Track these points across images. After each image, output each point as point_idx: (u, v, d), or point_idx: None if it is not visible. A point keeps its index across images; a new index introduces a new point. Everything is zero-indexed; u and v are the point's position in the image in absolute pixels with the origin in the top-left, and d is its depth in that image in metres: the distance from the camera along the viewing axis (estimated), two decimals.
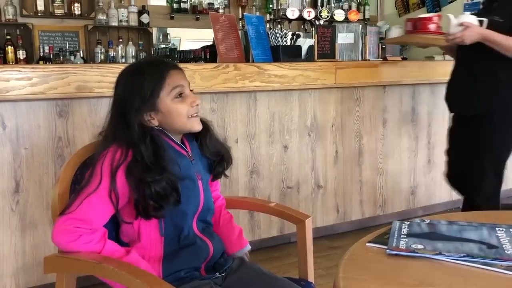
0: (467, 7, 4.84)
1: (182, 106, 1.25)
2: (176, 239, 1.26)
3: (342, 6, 4.62)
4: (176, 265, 1.25)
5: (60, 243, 1.16)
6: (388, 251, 1.07)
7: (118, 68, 2.16)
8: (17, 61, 4.08)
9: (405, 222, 1.24)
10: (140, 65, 1.32)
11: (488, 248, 1.07)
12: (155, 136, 1.23)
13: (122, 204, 1.20)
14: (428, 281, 0.95)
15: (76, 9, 4.40)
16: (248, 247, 1.48)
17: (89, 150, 1.39)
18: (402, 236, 1.15)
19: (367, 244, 1.13)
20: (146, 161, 1.17)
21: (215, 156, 1.39)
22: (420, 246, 1.08)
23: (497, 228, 1.18)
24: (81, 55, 4.33)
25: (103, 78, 2.16)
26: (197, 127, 1.30)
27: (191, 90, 1.30)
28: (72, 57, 4.29)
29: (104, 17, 4.51)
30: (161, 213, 1.20)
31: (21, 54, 4.12)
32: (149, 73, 1.24)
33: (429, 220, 1.26)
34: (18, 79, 2.01)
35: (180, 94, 1.26)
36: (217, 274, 1.31)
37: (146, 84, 1.23)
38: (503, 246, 1.07)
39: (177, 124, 1.27)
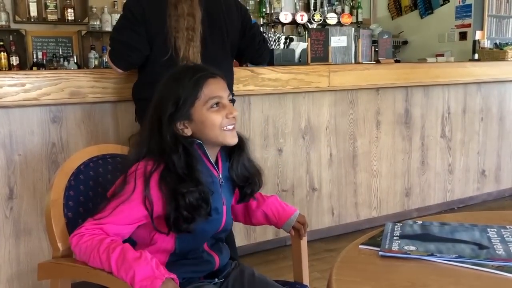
0: (458, 9, 4.88)
1: (216, 117, 1.20)
2: (184, 253, 1.25)
3: (335, 9, 4.65)
4: (176, 273, 1.24)
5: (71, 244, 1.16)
6: (380, 253, 1.07)
7: (112, 73, 2.18)
8: (10, 67, 4.06)
9: (398, 224, 1.25)
10: (180, 71, 1.26)
11: (480, 248, 1.07)
12: (189, 146, 1.19)
13: (156, 213, 1.16)
14: (420, 282, 0.95)
15: (69, 14, 4.38)
16: (296, 213, 1.43)
17: (83, 155, 1.39)
18: (394, 237, 1.15)
19: (360, 246, 1.13)
20: (179, 171, 1.15)
21: (242, 182, 1.33)
22: (412, 248, 1.09)
23: (488, 229, 1.19)
24: (75, 61, 4.32)
25: (96, 84, 2.16)
26: (231, 140, 1.24)
27: (230, 101, 1.25)
28: (65, 63, 4.28)
29: (98, 23, 4.50)
30: (192, 226, 1.16)
31: (14, 60, 4.10)
32: (185, 81, 1.20)
33: (421, 222, 1.27)
34: (11, 85, 2.00)
35: (217, 104, 1.21)
36: (216, 280, 1.31)
37: (182, 91, 1.18)
38: (494, 246, 1.08)
39: (210, 135, 1.21)
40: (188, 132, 1.21)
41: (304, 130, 2.83)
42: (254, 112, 2.66)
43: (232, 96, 1.28)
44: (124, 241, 1.14)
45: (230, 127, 1.23)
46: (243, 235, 2.67)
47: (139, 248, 1.19)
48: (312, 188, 2.90)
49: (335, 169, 2.96)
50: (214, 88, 1.22)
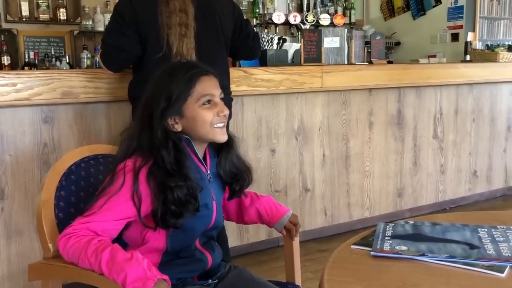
0: (450, 11, 4.91)
1: (207, 114, 1.21)
2: (176, 252, 1.25)
3: (328, 10, 4.66)
4: (169, 274, 1.23)
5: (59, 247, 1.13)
6: (372, 253, 1.08)
7: (104, 73, 2.17)
8: (1, 67, 4.04)
9: (390, 224, 1.25)
10: (173, 67, 1.27)
11: (471, 248, 1.08)
12: (178, 142, 1.20)
13: (145, 209, 1.16)
14: (411, 282, 0.96)
15: (62, 14, 4.37)
16: (289, 213, 1.44)
17: (74, 156, 1.39)
18: (386, 238, 1.16)
19: (352, 246, 1.14)
20: (168, 166, 1.15)
21: (230, 178, 1.34)
22: (404, 248, 1.09)
23: (479, 229, 1.20)
24: (67, 61, 4.30)
25: (88, 84, 2.15)
26: (220, 137, 1.24)
27: (221, 99, 1.26)
28: (57, 63, 4.26)
29: (90, 22, 4.49)
30: (180, 222, 1.16)
31: (6, 60, 4.08)
32: (179, 76, 1.21)
33: (413, 222, 1.27)
34: (3, 85, 1.99)
35: (208, 102, 1.22)
36: (209, 281, 1.30)
37: (175, 87, 1.19)
38: (485, 246, 1.09)
39: (200, 132, 1.22)
40: (178, 128, 1.22)
41: (297, 130, 2.84)
42: (247, 112, 2.66)
43: (230, 94, 1.28)
44: (115, 242, 1.13)
45: (221, 125, 1.24)
46: (236, 236, 2.67)
47: (131, 249, 1.19)
48: (305, 188, 2.90)
49: (328, 170, 2.97)
50: (207, 86, 1.23)
